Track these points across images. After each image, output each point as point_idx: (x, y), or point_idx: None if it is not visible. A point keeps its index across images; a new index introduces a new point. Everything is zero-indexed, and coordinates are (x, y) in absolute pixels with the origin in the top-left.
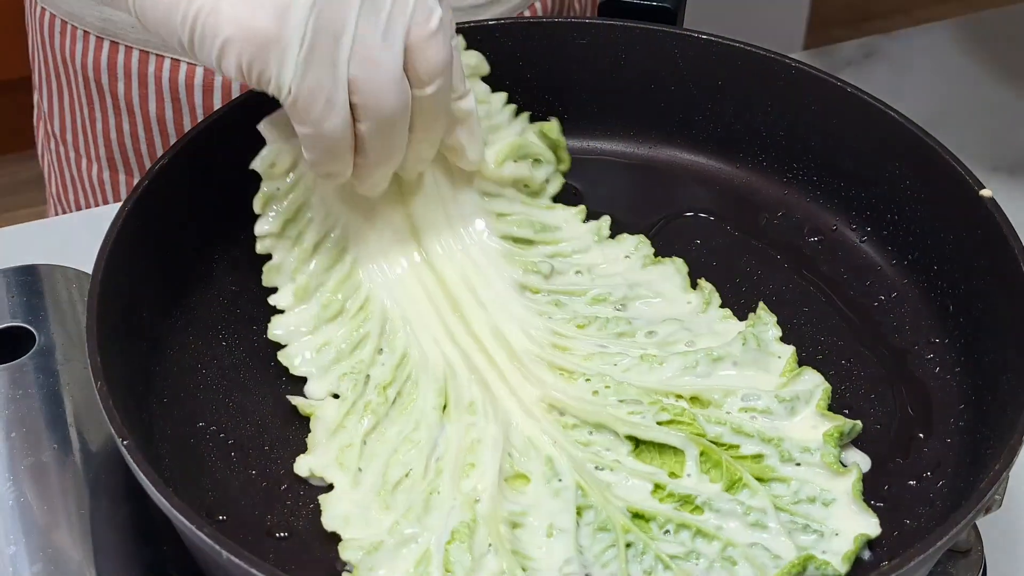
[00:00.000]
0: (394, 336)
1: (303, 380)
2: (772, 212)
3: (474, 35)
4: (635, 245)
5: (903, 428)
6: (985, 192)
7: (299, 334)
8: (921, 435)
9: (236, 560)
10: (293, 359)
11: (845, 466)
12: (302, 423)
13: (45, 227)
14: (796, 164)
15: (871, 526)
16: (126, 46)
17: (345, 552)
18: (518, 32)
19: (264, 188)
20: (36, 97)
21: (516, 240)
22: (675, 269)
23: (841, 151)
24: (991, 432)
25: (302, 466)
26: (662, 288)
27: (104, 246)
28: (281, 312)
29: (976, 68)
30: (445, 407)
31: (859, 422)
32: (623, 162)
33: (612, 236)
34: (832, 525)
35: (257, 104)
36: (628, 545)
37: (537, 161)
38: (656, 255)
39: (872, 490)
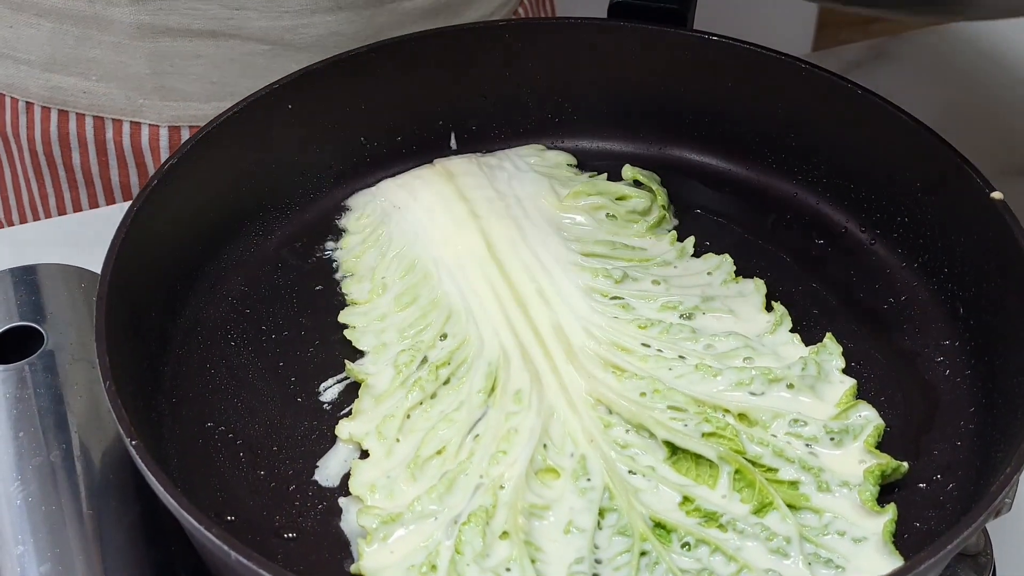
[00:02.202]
0: (458, 326)
1: (314, 381)
2: (781, 214)
3: (484, 37)
4: (718, 263)
5: (913, 431)
6: (996, 195)
7: (370, 320)
8: (931, 438)
9: (245, 561)
10: (359, 337)
11: (881, 507)
12: (311, 423)
13: (52, 226)
14: (805, 166)
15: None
16: (77, 113)
17: (363, 518)
18: (527, 33)
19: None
20: None
21: (595, 256)
22: (754, 288)
23: (851, 153)
24: (1001, 435)
25: (343, 430)
26: (736, 305)
27: (113, 246)
28: (354, 304)
29: (985, 69)
30: (492, 391)
31: (904, 464)
32: (632, 163)
33: (696, 255)
34: (856, 563)
35: (266, 105)
36: (643, 553)
37: (622, 198)
38: (738, 274)
39: (881, 492)
